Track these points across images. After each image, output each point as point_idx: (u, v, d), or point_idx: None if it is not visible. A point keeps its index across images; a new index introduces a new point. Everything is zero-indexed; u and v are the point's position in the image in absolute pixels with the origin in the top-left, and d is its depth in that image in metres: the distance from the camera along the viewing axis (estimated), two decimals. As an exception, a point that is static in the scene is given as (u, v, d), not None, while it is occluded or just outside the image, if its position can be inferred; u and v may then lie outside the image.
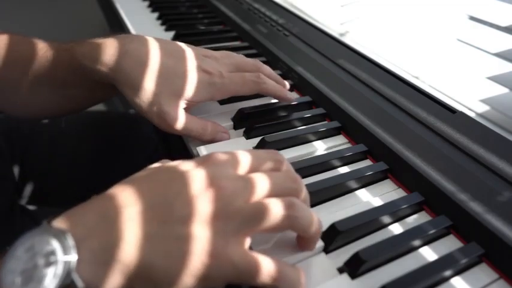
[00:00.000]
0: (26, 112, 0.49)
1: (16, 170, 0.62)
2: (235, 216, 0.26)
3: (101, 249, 0.24)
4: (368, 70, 0.50)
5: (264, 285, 0.26)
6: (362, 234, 0.33)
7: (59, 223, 0.25)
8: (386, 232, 0.34)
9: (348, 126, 0.45)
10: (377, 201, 0.37)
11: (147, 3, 0.81)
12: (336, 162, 0.40)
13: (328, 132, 0.45)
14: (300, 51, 0.56)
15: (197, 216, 0.25)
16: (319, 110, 0.48)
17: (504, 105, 0.42)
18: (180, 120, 0.40)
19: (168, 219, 0.25)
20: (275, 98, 0.47)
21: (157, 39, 0.42)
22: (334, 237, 0.32)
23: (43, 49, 0.43)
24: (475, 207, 0.33)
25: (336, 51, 0.54)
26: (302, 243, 0.31)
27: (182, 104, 0.40)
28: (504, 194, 0.33)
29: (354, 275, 0.30)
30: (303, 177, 0.39)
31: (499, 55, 0.50)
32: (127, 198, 0.25)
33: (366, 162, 0.42)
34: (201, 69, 0.41)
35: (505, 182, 0.34)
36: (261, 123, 0.44)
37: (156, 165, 0.30)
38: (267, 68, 0.47)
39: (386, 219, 0.34)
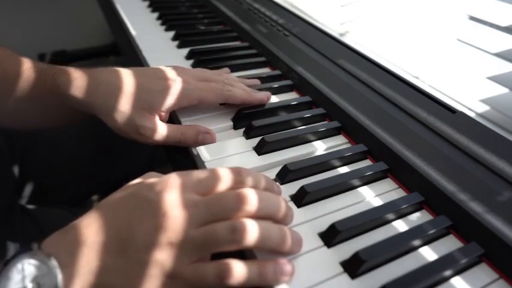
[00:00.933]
0: (12, 124, 0.51)
1: (16, 169, 0.62)
2: (187, 244, 0.28)
3: (78, 277, 0.27)
4: (368, 70, 0.50)
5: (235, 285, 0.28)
6: (362, 234, 0.33)
7: (46, 248, 0.28)
8: (386, 232, 0.34)
9: (348, 126, 0.45)
10: (377, 201, 0.37)
11: (147, 3, 0.81)
12: (336, 162, 0.40)
13: (328, 132, 0.45)
14: (300, 51, 0.56)
15: (154, 245, 0.28)
16: (319, 110, 0.48)
17: (504, 105, 0.42)
18: (156, 131, 0.42)
19: (130, 248, 0.28)
20: (244, 104, 0.47)
21: (129, 68, 0.45)
22: (333, 237, 0.32)
23: (29, 70, 0.45)
24: (475, 207, 0.33)
25: (336, 51, 0.54)
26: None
27: (154, 116, 0.42)
28: (504, 194, 0.33)
29: (353, 275, 0.30)
30: (303, 177, 0.39)
31: (499, 55, 0.50)
32: (97, 230, 0.29)
33: (366, 162, 0.41)
34: (167, 80, 0.43)
35: (505, 182, 0.34)
36: (260, 123, 0.44)
37: (134, 182, 0.32)
38: (237, 81, 0.48)
39: (386, 219, 0.34)
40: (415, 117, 0.42)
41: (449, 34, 0.55)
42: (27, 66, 0.45)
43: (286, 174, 0.38)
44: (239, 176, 0.32)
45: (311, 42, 0.57)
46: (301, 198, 0.35)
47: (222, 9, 0.75)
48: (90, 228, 0.29)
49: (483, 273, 0.31)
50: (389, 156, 0.40)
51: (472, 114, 0.41)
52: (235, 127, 0.45)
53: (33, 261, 0.27)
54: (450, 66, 0.49)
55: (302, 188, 0.36)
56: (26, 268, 0.26)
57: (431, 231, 0.33)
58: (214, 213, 0.29)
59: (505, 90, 0.44)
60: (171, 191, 0.30)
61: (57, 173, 0.66)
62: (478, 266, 0.31)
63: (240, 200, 0.29)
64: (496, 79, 0.46)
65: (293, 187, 0.37)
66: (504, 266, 0.31)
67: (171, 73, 0.44)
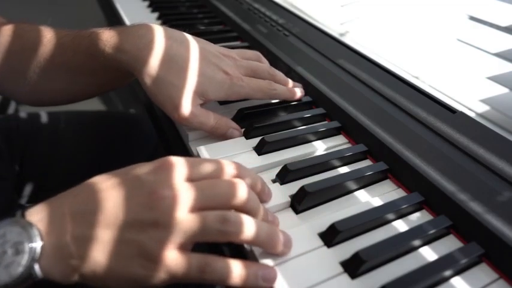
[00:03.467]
0: (35, 99, 0.49)
1: (16, 169, 0.62)
2: (173, 226, 0.27)
3: (57, 245, 0.27)
4: (368, 70, 0.50)
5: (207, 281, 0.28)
6: (362, 234, 0.33)
7: (30, 216, 0.28)
8: (387, 232, 0.34)
9: (348, 126, 0.45)
10: (377, 201, 0.37)
11: (147, 3, 0.81)
12: (336, 162, 0.40)
13: (328, 132, 0.45)
14: (300, 51, 0.56)
15: (137, 223, 0.27)
16: (319, 110, 0.48)
17: (504, 105, 0.42)
18: (196, 115, 0.41)
19: (112, 224, 0.27)
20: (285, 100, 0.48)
21: (176, 32, 0.43)
22: (333, 237, 0.32)
23: (57, 36, 0.43)
24: (475, 207, 0.33)
25: (336, 51, 0.54)
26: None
27: (199, 101, 0.41)
28: (504, 194, 0.33)
29: (353, 275, 0.30)
30: (303, 177, 0.39)
31: (499, 55, 0.50)
32: (83, 202, 0.28)
33: (366, 162, 0.41)
34: (221, 69, 0.42)
35: (505, 182, 0.34)
36: (260, 123, 0.44)
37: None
38: (279, 74, 0.48)
39: (386, 219, 0.34)
40: (415, 117, 0.42)
41: (449, 34, 0.55)
42: (55, 33, 0.44)
43: (286, 174, 0.38)
44: (237, 170, 0.32)
45: (311, 42, 0.57)
46: (301, 199, 0.35)
47: (222, 9, 0.75)
48: (76, 199, 0.28)
49: (483, 273, 0.31)
50: (389, 156, 0.40)
51: (472, 114, 0.41)
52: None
53: (14, 228, 0.27)
54: (450, 66, 0.49)
55: (302, 188, 0.36)
56: (8, 234, 0.27)
57: (431, 231, 0.33)
58: (206, 199, 0.29)
59: (505, 90, 0.44)
60: (164, 172, 0.29)
61: (57, 172, 0.66)
62: (478, 266, 0.31)
63: (233, 188, 0.29)
64: (496, 79, 0.46)
65: (293, 187, 0.37)
66: (504, 266, 0.31)
67: (229, 66, 0.43)
